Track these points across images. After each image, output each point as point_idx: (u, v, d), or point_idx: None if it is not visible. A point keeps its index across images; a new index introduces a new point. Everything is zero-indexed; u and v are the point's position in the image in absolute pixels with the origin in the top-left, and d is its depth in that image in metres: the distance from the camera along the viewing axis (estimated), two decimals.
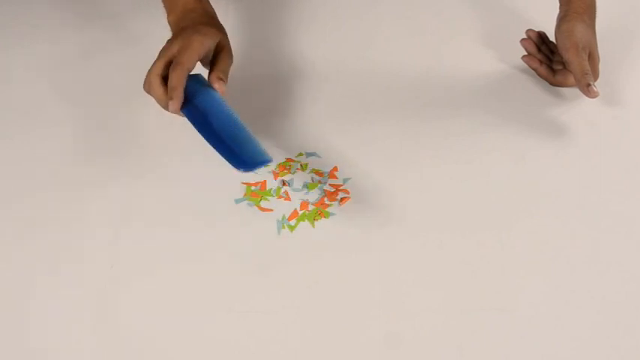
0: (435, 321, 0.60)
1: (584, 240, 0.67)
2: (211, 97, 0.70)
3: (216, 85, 0.70)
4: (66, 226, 0.68)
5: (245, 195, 0.70)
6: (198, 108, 0.69)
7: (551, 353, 0.58)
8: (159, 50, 0.71)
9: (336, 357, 0.58)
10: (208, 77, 0.72)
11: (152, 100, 0.71)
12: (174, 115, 0.70)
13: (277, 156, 0.74)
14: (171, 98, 0.67)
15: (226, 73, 0.72)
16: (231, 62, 0.73)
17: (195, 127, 0.68)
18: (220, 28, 0.74)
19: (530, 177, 0.73)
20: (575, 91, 0.79)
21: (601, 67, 0.80)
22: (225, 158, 0.65)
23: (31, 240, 0.66)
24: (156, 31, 0.76)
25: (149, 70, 0.70)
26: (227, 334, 0.59)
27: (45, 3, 0.96)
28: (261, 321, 0.60)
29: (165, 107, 0.70)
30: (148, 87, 0.71)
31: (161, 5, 0.77)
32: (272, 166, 0.73)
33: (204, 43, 0.70)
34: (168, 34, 0.74)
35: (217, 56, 0.72)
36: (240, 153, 0.66)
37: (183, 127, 0.74)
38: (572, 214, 0.69)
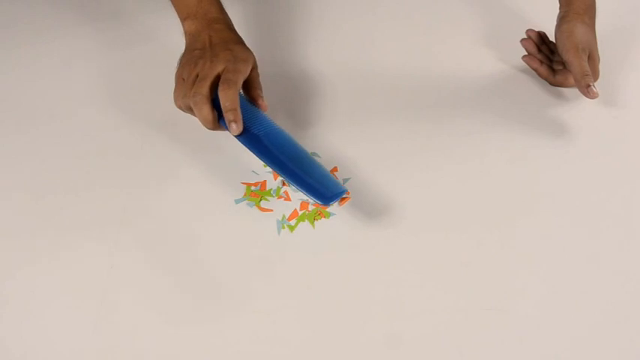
0: (434, 321, 0.60)
1: (584, 240, 0.67)
2: (260, 118, 0.70)
3: (262, 103, 0.71)
4: (66, 226, 0.68)
5: (245, 195, 0.70)
6: (253, 133, 0.68)
7: (551, 353, 0.58)
8: (166, 49, 0.70)
9: (336, 357, 0.58)
10: (249, 95, 0.72)
11: (153, 100, 0.71)
12: (174, 117, 0.70)
13: None
14: (232, 120, 0.66)
15: (262, 89, 0.73)
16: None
17: (255, 153, 0.67)
18: (248, 47, 0.74)
19: (531, 177, 0.73)
20: (575, 91, 0.79)
21: (601, 67, 0.80)
22: (301, 190, 0.65)
23: (31, 240, 0.66)
24: (167, 29, 0.75)
25: (192, 90, 0.68)
26: (227, 334, 0.59)
27: (55, 1, 0.96)
28: (261, 321, 0.60)
29: (212, 128, 0.68)
30: (189, 105, 0.68)
31: (169, 3, 0.77)
32: None
33: (247, 69, 0.70)
34: (179, 32, 0.74)
35: (251, 74, 0.72)
36: (318, 187, 0.65)
37: (183, 127, 0.75)
38: (572, 214, 0.69)
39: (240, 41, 0.74)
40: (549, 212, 0.70)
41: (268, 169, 0.73)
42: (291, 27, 0.93)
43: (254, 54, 0.73)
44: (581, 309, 0.61)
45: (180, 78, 0.71)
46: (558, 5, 0.83)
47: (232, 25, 0.76)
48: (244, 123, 0.67)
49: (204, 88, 0.67)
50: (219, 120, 0.68)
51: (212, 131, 0.69)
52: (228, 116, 0.66)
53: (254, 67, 0.72)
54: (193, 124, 0.71)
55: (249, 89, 0.72)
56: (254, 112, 0.71)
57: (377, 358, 0.58)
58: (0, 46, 0.89)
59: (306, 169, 0.67)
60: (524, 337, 0.59)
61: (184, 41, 0.75)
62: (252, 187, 0.71)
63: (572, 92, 0.81)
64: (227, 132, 0.67)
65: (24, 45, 0.89)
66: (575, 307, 0.62)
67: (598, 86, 0.76)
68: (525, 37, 0.86)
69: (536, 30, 0.86)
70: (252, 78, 0.72)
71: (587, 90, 0.75)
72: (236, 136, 0.67)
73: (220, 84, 0.67)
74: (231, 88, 0.66)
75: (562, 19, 0.81)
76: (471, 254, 0.65)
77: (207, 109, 0.67)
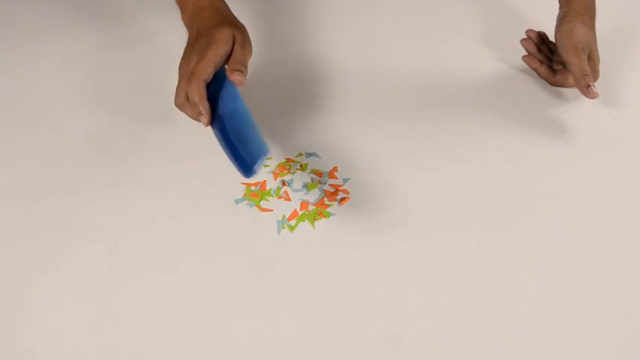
0: (434, 321, 0.60)
1: (584, 240, 0.67)
2: (229, 96, 0.70)
3: (233, 78, 0.69)
4: (66, 226, 0.68)
5: (245, 195, 0.70)
6: (220, 116, 0.69)
7: (551, 353, 0.58)
8: (166, 49, 0.71)
9: (336, 357, 0.58)
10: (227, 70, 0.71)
11: (153, 100, 0.71)
12: (174, 116, 0.70)
13: (277, 156, 0.74)
14: (199, 113, 0.68)
15: (243, 64, 0.70)
16: (249, 52, 0.73)
17: (217, 136, 0.68)
18: (233, 24, 0.73)
19: (530, 177, 0.73)
20: (575, 91, 0.79)
21: (601, 67, 0.80)
22: (235, 165, 0.65)
23: (31, 240, 0.66)
24: (167, 29, 0.75)
25: (176, 91, 0.70)
26: (227, 334, 0.59)
27: (55, 1, 0.96)
28: (261, 321, 0.60)
29: (205, 124, 0.69)
30: (179, 107, 0.71)
31: (172, 2, 0.77)
32: (272, 167, 0.73)
33: (218, 52, 0.69)
34: (179, 31, 0.74)
35: (233, 48, 0.71)
36: (243, 156, 0.65)
37: (183, 127, 0.75)
38: (572, 214, 0.69)
39: (223, 22, 0.73)
40: (549, 212, 0.70)
41: (268, 169, 0.73)
42: (291, 27, 0.93)
43: (252, 45, 0.73)
44: (581, 309, 0.61)
45: (178, 76, 0.72)
46: (558, 5, 0.83)
47: (224, 6, 0.76)
48: (215, 110, 0.68)
49: (182, 89, 0.69)
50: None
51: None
52: (195, 109, 0.68)
53: (238, 42, 0.71)
54: (193, 124, 0.71)
55: (228, 64, 0.71)
56: (225, 92, 0.70)
57: (377, 358, 0.58)
58: (0, 46, 0.89)
59: (239, 138, 0.66)
60: (524, 337, 0.59)
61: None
62: (252, 187, 0.71)
63: (572, 92, 0.81)
64: None
65: (24, 45, 0.89)
66: (575, 307, 0.62)
67: (598, 86, 0.76)
68: (525, 37, 0.86)
69: (536, 30, 0.86)
70: (233, 53, 0.71)
71: (587, 90, 0.75)
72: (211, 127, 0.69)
73: (188, 79, 0.68)
74: (193, 82, 0.68)
75: (562, 19, 0.81)
76: (471, 254, 0.65)
77: (188, 109, 0.70)
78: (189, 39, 0.74)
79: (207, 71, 0.68)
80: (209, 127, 0.69)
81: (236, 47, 0.71)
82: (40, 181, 0.72)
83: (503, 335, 0.59)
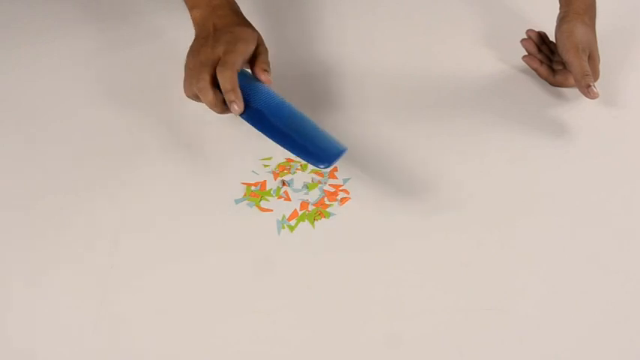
0: (434, 321, 0.60)
1: (584, 240, 0.67)
2: (263, 92, 0.70)
3: (263, 77, 0.70)
4: (66, 226, 0.68)
5: (245, 195, 0.70)
6: (255, 108, 0.69)
7: (551, 353, 0.58)
8: (166, 49, 0.70)
9: (336, 357, 0.58)
10: (252, 71, 0.72)
11: (153, 100, 0.71)
12: (174, 116, 0.70)
13: (277, 156, 0.74)
14: (232, 101, 0.67)
15: (268, 64, 0.72)
16: (268, 53, 0.74)
17: (259, 128, 0.68)
18: (252, 27, 0.74)
19: (531, 177, 0.73)
20: (575, 91, 0.79)
21: (601, 67, 0.80)
22: (301, 157, 0.66)
23: (31, 240, 0.66)
24: (167, 29, 0.75)
25: (196, 77, 0.69)
26: (227, 334, 0.59)
27: (56, 1, 0.96)
28: (261, 321, 0.60)
29: (220, 111, 0.69)
30: (195, 93, 0.70)
31: (171, 1, 0.77)
32: (272, 167, 0.73)
33: (248, 48, 0.71)
34: (176, 32, 0.74)
35: (256, 51, 0.72)
36: (315, 151, 0.66)
37: (183, 127, 0.75)
38: (572, 214, 0.69)
39: (243, 22, 0.74)
40: (549, 212, 0.70)
41: (268, 169, 0.73)
42: (290, 27, 0.93)
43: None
44: (581, 309, 0.61)
45: (187, 68, 0.72)
46: (558, 5, 0.83)
47: (237, 7, 0.77)
48: (247, 100, 0.68)
49: (206, 74, 0.68)
50: (225, 103, 0.69)
51: (221, 114, 0.70)
52: (228, 97, 0.67)
53: (259, 44, 0.73)
54: (193, 124, 0.71)
55: (254, 64, 0.72)
56: (256, 87, 0.71)
57: (377, 358, 0.58)
58: (0, 46, 0.90)
59: (300, 131, 0.67)
60: (524, 337, 0.59)
61: (192, 34, 0.75)
62: (252, 187, 0.71)
63: (572, 92, 0.81)
64: (230, 125, 0.67)
65: (24, 45, 0.90)
66: (575, 307, 0.61)
67: (598, 86, 0.76)
68: (525, 37, 0.86)
69: (536, 30, 0.86)
70: (257, 54, 0.72)
71: (587, 90, 0.75)
72: (240, 115, 0.68)
73: (218, 67, 0.68)
74: (228, 70, 0.67)
75: (562, 19, 0.81)
76: (471, 254, 0.65)
77: (211, 94, 0.68)
78: (201, 33, 0.73)
79: (238, 62, 0.69)
80: (205, 128, 0.69)
81: (261, 48, 0.73)
82: (40, 181, 0.72)
83: (503, 335, 0.59)
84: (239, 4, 0.77)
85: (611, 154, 0.76)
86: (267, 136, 0.68)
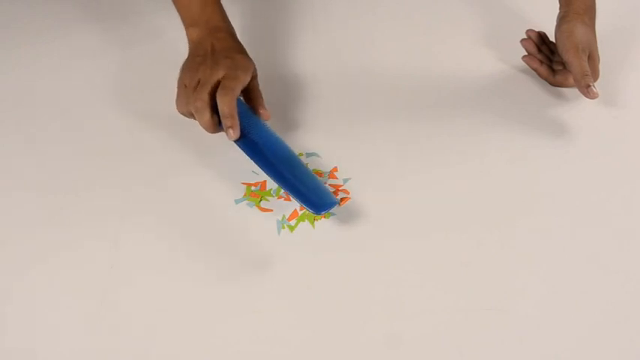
0: (434, 321, 0.60)
1: (584, 240, 0.67)
2: (259, 125, 0.71)
3: (263, 113, 0.72)
4: (66, 225, 0.68)
5: (245, 195, 0.70)
6: (251, 139, 0.70)
7: (551, 353, 0.58)
8: (167, 49, 0.70)
9: (336, 357, 0.58)
10: (251, 105, 0.73)
11: (153, 100, 0.71)
12: (174, 117, 0.70)
13: None
14: (229, 126, 0.68)
15: (263, 100, 0.73)
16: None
17: (250, 156, 0.69)
18: (249, 57, 0.74)
19: (530, 177, 0.73)
20: (575, 91, 0.79)
21: (601, 67, 0.80)
22: (293, 196, 0.67)
23: (31, 240, 0.66)
24: (166, 29, 0.75)
25: (193, 96, 0.69)
26: (227, 334, 0.59)
27: (56, 1, 0.95)
28: (261, 321, 0.60)
29: (213, 132, 0.70)
30: (190, 111, 0.70)
31: (169, 2, 0.77)
32: None
33: (246, 78, 0.71)
34: (176, 32, 0.74)
35: (252, 83, 0.73)
36: (309, 195, 0.66)
37: (183, 127, 0.75)
38: (572, 214, 0.69)
39: (241, 50, 0.75)
40: (549, 212, 0.70)
41: None
42: (290, 27, 0.93)
43: (254, 61, 0.74)
44: (581, 309, 0.61)
45: (182, 84, 0.72)
46: (558, 5, 0.83)
47: (235, 34, 0.77)
48: (243, 129, 0.69)
49: (205, 94, 0.69)
50: (219, 124, 0.69)
51: (213, 134, 0.70)
52: (225, 122, 0.68)
53: (254, 77, 0.73)
54: (193, 125, 0.71)
55: (251, 99, 0.73)
56: (253, 119, 0.72)
57: (377, 358, 0.58)
58: (0, 46, 0.89)
59: (301, 177, 0.68)
60: (524, 337, 0.59)
61: (188, 48, 0.75)
62: (252, 187, 0.71)
63: (572, 92, 0.81)
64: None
65: (24, 45, 0.89)
66: (575, 307, 0.62)
67: (598, 86, 0.76)
68: (525, 37, 0.86)
69: (536, 30, 0.86)
70: (253, 87, 0.73)
71: (587, 90, 0.75)
72: (235, 141, 0.69)
73: (219, 90, 0.69)
74: (229, 95, 0.68)
75: (562, 19, 0.81)
76: (471, 254, 0.65)
77: (207, 115, 0.69)
78: (198, 51, 0.73)
79: (238, 89, 0.69)
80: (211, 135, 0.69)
81: (254, 82, 0.74)
82: (40, 181, 0.72)
83: (503, 335, 0.59)
84: (239, 4, 0.77)
85: (611, 154, 0.76)
86: (258, 165, 0.69)
